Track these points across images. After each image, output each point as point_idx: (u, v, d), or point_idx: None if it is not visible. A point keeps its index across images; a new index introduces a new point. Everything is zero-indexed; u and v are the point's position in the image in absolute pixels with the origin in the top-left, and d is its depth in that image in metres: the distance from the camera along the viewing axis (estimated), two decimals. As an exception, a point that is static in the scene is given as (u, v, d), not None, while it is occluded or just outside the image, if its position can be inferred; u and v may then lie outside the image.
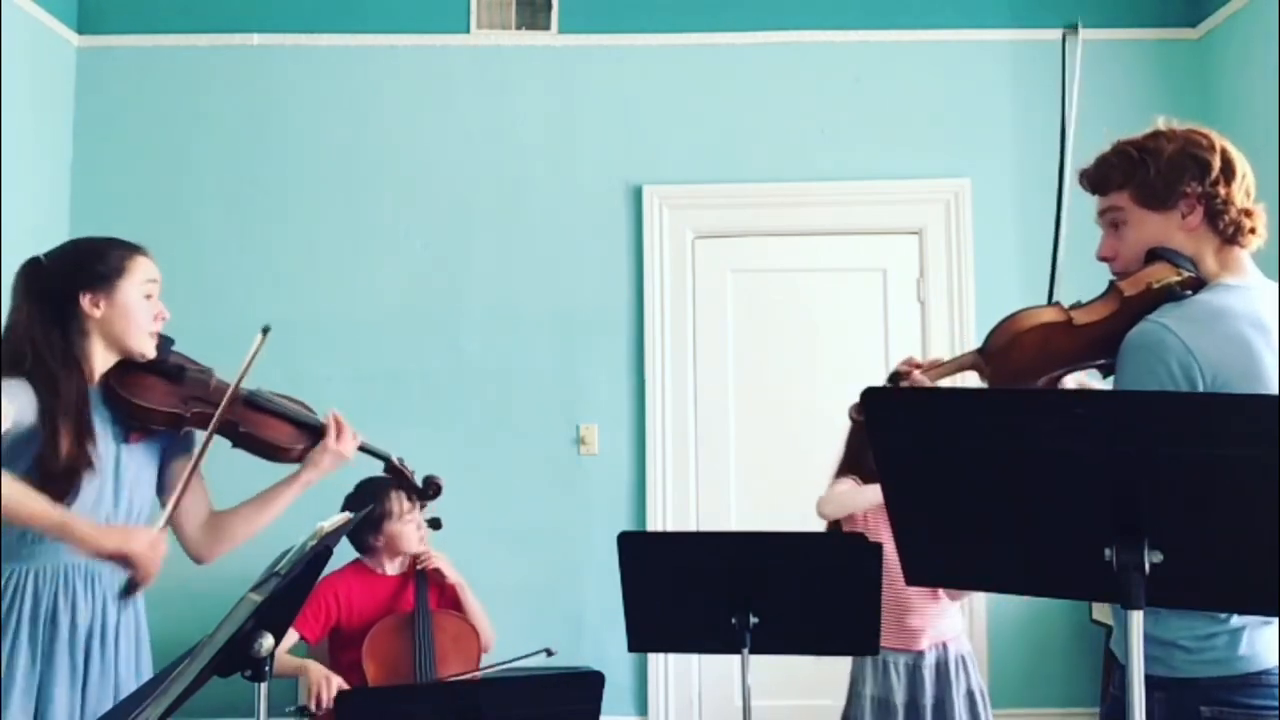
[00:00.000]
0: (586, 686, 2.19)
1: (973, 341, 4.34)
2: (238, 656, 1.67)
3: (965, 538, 1.41)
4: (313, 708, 3.13)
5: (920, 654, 3.07)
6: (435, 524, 3.44)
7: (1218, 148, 1.84)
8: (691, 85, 4.57)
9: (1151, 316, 1.74)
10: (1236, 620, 1.69)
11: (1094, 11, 4.59)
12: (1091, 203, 1.96)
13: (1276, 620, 1.71)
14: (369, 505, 3.27)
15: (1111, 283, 1.86)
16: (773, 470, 4.41)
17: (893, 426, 1.38)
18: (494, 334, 4.47)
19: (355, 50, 4.56)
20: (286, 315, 4.41)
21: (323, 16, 4.58)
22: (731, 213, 4.56)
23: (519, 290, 4.49)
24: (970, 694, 3.10)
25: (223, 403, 2.24)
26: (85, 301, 2.21)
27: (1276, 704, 1.69)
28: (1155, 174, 1.83)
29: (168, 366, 2.30)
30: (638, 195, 4.53)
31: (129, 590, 2.16)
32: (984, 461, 1.34)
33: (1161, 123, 1.90)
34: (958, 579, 1.63)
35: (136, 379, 2.27)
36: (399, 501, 3.33)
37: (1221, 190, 1.81)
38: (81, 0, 4.55)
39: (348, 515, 1.94)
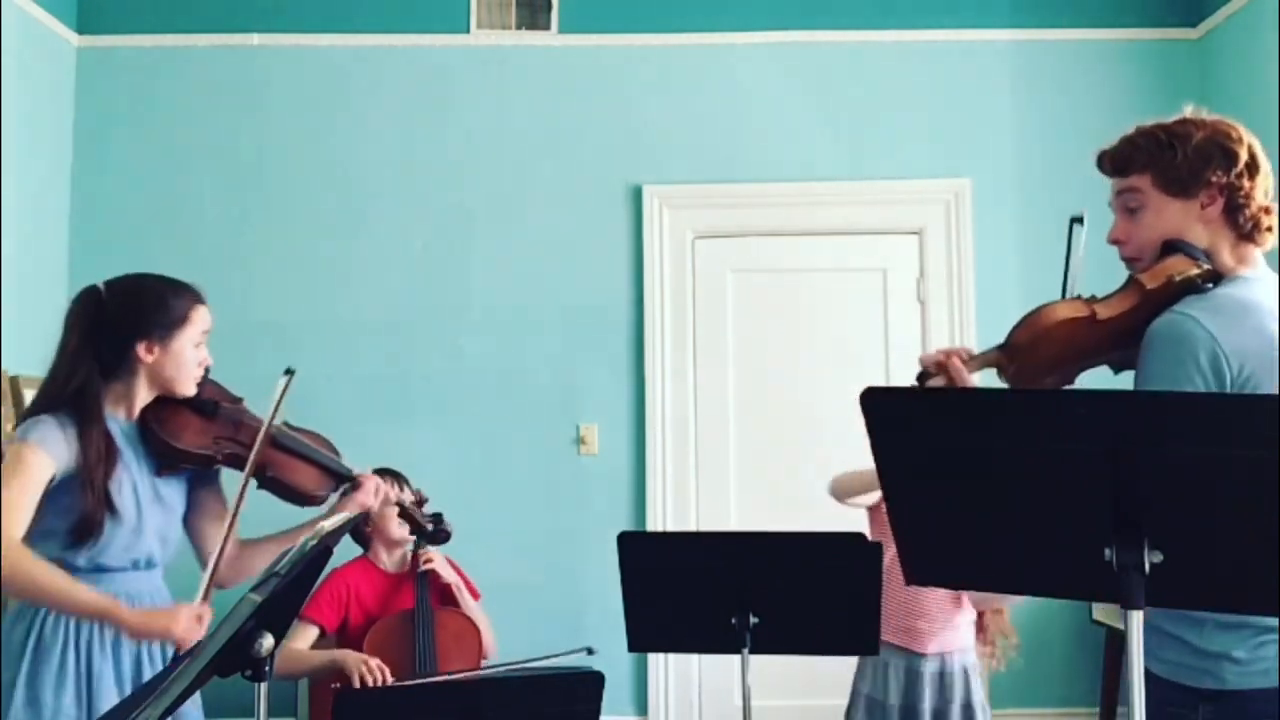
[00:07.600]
0: (586, 686, 2.18)
1: (973, 341, 4.34)
2: (238, 656, 1.67)
3: (965, 537, 1.41)
4: None
5: (921, 658, 3.04)
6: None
7: (1245, 141, 1.81)
8: (691, 85, 4.57)
9: (1177, 308, 1.71)
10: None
11: (1094, 11, 4.60)
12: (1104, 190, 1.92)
13: None
14: None
15: (1131, 276, 1.83)
16: (773, 470, 4.41)
17: (893, 426, 1.37)
18: (494, 334, 4.47)
19: (355, 50, 4.56)
20: (286, 315, 4.42)
21: (323, 16, 4.57)
22: (731, 213, 4.55)
23: (519, 290, 4.49)
24: (968, 706, 3.07)
25: (254, 449, 2.23)
26: (140, 348, 2.22)
27: None
28: (1181, 159, 1.80)
29: (204, 403, 2.31)
30: (638, 195, 4.53)
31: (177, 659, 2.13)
32: (984, 461, 1.34)
33: (1190, 111, 1.87)
34: (957, 578, 1.62)
35: (174, 417, 2.28)
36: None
37: (1245, 184, 1.79)
38: (81, 0, 4.55)
39: (348, 515, 1.94)
